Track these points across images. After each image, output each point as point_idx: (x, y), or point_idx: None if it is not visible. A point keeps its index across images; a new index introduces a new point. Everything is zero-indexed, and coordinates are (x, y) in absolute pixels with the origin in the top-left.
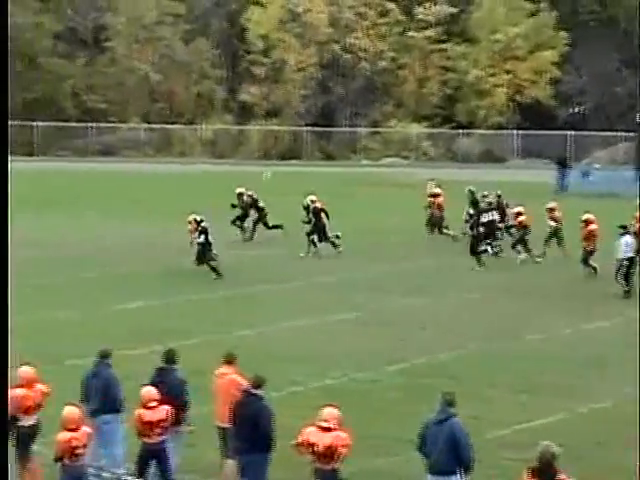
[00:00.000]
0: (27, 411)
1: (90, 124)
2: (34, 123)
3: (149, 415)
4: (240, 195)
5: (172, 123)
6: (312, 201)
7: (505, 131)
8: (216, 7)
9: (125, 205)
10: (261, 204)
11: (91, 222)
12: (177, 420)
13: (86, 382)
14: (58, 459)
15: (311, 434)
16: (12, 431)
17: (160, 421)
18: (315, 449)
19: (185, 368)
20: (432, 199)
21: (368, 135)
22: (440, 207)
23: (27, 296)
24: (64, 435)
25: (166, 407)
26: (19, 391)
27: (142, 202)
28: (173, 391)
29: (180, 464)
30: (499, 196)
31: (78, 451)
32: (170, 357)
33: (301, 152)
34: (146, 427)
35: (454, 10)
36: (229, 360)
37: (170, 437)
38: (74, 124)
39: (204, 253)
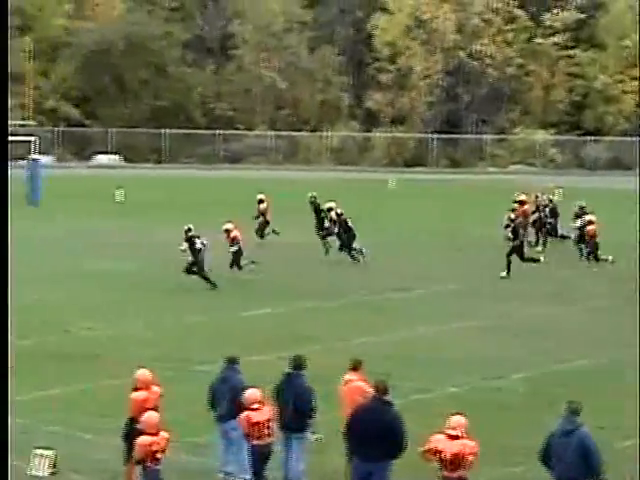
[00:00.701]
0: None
1: (217, 131)
2: (163, 130)
3: (256, 416)
4: (261, 201)
5: (298, 130)
6: (334, 211)
7: (634, 138)
8: (342, 14)
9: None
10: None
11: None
12: (303, 426)
13: (214, 388)
14: (139, 462)
15: (439, 441)
16: (130, 433)
17: (268, 421)
18: (442, 456)
19: (311, 374)
20: (517, 205)
21: (494, 142)
22: (526, 214)
23: (157, 300)
24: (145, 439)
25: (269, 407)
26: (139, 394)
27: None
28: (299, 397)
29: (306, 470)
30: (551, 200)
31: (158, 455)
32: (298, 363)
33: (427, 159)
34: (255, 428)
35: (582, 16)
36: (355, 366)
37: (295, 443)
38: (202, 131)
39: (195, 263)
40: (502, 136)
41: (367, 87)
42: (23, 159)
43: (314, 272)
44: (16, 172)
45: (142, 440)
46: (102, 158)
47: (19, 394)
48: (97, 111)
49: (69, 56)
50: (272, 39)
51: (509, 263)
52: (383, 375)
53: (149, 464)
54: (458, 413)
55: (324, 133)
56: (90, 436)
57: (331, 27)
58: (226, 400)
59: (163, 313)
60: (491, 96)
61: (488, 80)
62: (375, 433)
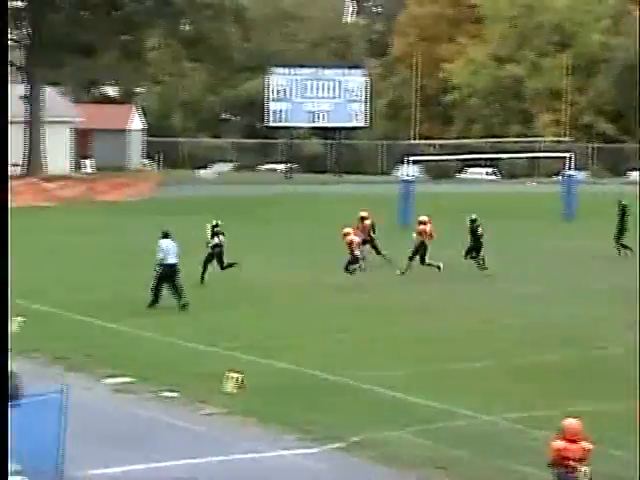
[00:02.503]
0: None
1: None
2: None
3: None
4: (362, 219)
5: None
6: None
7: None
8: None
9: None
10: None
11: None
12: None
13: None
14: (551, 465)
15: None
16: None
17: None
18: None
19: None
20: None
21: None
22: None
23: None
24: (559, 444)
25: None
26: (559, 443)
27: None
28: None
29: None
30: None
31: (570, 463)
32: None
33: None
34: (559, 460)
35: None
36: None
37: None
38: None
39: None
40: None
41: None
42: (559, 175)
43: None
44: (552, 188)
45: (556, 444)
46: (636, 175)
47: (533, 409)
48: (632, 127)
49: (605, 71)
50: None
51: None
52: None
53: (561, 470)
54: None
55: None
56: (621, 453)
57: None
58: None
59: None
60: None
61: None
62: None
